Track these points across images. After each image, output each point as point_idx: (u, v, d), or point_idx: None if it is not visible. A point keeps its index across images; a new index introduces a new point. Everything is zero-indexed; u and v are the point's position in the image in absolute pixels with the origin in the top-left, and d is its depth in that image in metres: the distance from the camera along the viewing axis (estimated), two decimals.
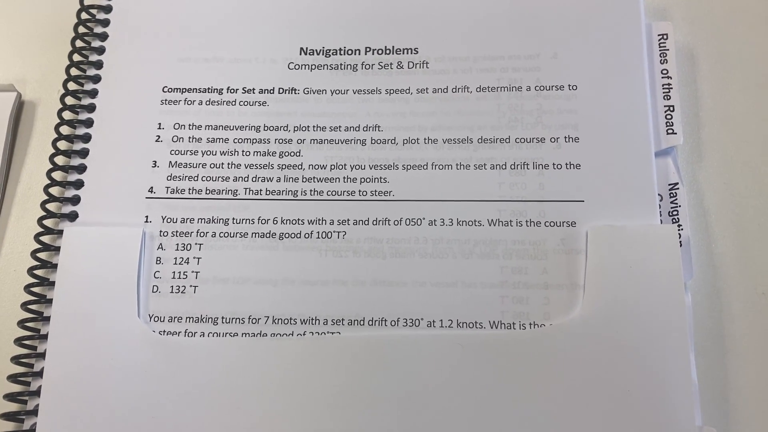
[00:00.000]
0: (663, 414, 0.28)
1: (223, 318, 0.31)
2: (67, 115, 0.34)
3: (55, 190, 0.33)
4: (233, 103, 0.34)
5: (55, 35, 0.37)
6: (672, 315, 0.29)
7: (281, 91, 0.34)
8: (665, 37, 0.34)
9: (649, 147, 0.32)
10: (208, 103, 0.34)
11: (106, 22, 0.36)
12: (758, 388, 0.30)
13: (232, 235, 0.32)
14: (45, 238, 0.32)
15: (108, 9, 0.36)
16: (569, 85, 0.33)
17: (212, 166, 0.33)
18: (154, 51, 0.35)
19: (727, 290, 0.32)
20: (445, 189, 0.32)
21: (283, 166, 0.33)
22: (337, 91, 0.34)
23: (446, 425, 0.29)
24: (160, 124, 0.34)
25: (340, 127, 0.34)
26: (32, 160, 0.36)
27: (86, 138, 0.34)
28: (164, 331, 0.31)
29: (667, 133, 0.33)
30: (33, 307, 0.31)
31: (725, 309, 0.31)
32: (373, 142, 0.33)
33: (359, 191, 0.32)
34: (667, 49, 0.34)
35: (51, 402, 0.29)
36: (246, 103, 0.34)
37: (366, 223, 0.32)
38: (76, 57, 0.35)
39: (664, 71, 0.34)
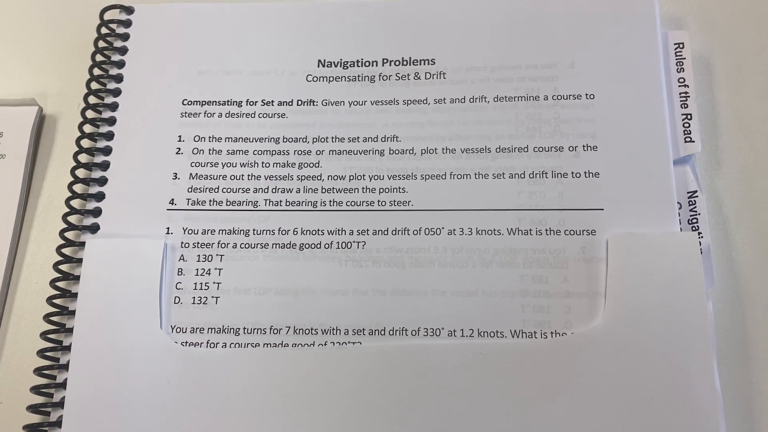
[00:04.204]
0: (687, 422, 0.28)
1: (244, 329, 0.31)
2: (88, 128, 0.35)
3: (76, 203, 0.33)
4: (252, 115, 0.34)
5: (75, 49, 0.38)
6: (695, 322, 0.29)
7: (300, 103, 0.35)
8: (681, 46, 0.34)
9: (668, 155, 0.32)
10: (227, 115, 0.35)
11: (125, 36, 0.36)
12: None
13: (252, 246, 0.32)
14: (66, 251, 0.33)
15: (128, 23, 0.37)
16: (586, 94, 0.33)
17: (232, 177, 0.33)
18: (174, 64, 0.36)
19: (749, 298, 0.31)
20: (464, 198, 0.32)
21: (303, 177, 0.33)
22: (355, 103, 0.34)
23: None
24: (180, 136, 0.34)
25: (358, 138, 0.34)
26: (53, 173, 0.36)
27: (107, 151, 0.34)
28: (186, 342, 0.31)
29: (685, 141, 0.33)
30: (55, 318, 0.32)
31: (747, 317, 0.31)
32: (391, 152, 0.33)
33: (378, 201, 0.33)
34: (684, 58, 0.34)
35: (75, 413, 0.29)
36: (265, 115, 0.34)
37: (385, 233, 0.32)
38: (96, 71, 0.36)
39: (681, 80, 0.34)
